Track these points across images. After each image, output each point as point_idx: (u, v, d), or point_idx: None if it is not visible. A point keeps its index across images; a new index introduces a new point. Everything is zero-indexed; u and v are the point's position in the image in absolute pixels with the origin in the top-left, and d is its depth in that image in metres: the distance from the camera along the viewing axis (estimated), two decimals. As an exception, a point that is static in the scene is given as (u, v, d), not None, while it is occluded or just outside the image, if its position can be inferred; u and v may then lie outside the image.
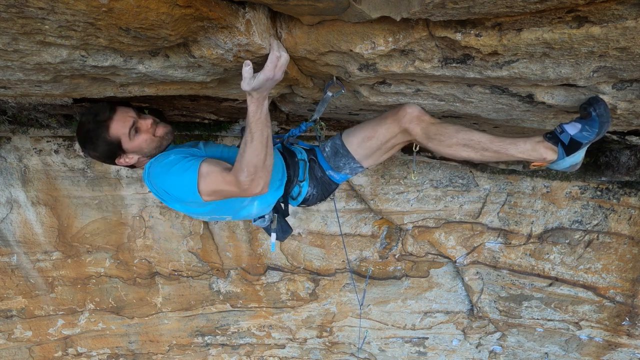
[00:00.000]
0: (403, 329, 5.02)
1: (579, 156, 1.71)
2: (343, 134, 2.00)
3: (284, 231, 2.10)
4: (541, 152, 1.69)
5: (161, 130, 1.72)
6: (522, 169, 3.61)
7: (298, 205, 2.16)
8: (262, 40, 1.37)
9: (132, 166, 1.76)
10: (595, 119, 1.58)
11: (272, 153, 1.55)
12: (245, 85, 1.38)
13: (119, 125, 1.61)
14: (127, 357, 5.17)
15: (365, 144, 1.91)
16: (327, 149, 2.04)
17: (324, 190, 2.09)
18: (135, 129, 1.65)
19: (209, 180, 1.56)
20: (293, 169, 1.99)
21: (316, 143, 2.20)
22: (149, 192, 3.82)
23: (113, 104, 1.68)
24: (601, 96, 1.59)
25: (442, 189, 3.88)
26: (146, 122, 1.69)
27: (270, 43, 1.40)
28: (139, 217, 3.96)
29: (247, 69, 1.34)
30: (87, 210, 3.81)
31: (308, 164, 2.03)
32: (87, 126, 1.63)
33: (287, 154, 2.04)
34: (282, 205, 2.07)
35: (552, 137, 1.69)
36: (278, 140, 2.16)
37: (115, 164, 1.72)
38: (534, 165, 1.75)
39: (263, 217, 2.04)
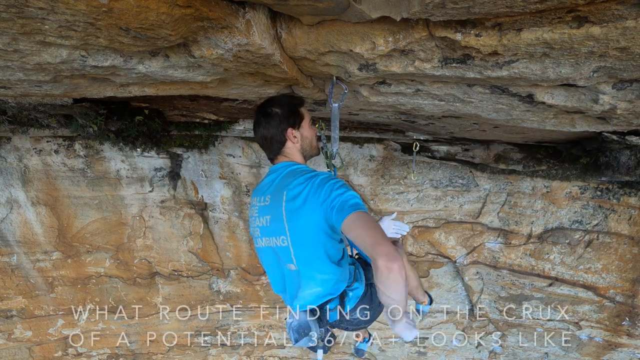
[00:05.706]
0: (403, 329, 5.02)
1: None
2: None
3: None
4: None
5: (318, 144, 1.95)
6: (522, 168, 3.61)
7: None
8: (262, 40, 1.37)
9: (280, 148, 1.79)
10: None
11: (404, 284, 1.44)
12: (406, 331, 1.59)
13: (307, 112, 1.85)
14: (127, 357, 5.17)
15: None
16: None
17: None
18: (313, 123, 1.90)
19: (362, 216, 1.49)
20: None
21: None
22: (149, 192, 3.84)
23: None
24: (601, 96, 1.59)
25: (442, 189, 3.88)
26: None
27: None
28: (139, 217, 3.96)
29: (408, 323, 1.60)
30: (87, 210, 3.81)
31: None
32: (285, 97, 1.85)
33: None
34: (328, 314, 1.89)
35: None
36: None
37: (285, 132, 1.77)
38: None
39: (308, 335, 1.85)
